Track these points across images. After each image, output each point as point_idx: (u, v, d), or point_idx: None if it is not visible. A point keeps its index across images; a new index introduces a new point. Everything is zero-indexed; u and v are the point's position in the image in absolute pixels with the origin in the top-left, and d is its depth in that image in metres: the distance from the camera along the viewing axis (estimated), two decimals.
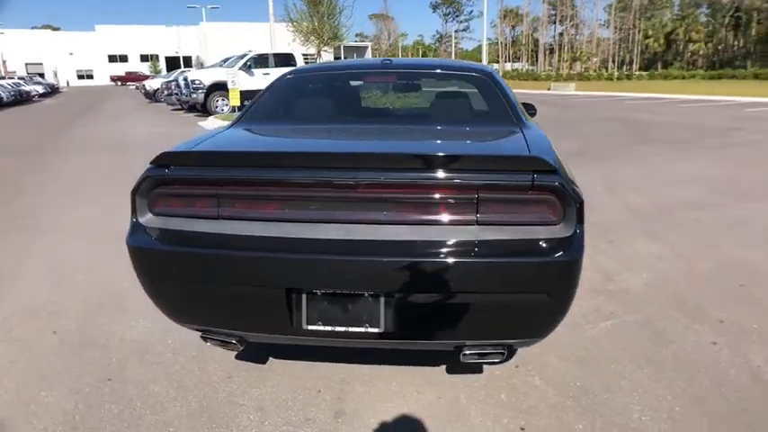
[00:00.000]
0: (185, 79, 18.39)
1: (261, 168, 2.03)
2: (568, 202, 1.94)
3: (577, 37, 71.09)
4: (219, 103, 17.64)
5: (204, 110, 17.59)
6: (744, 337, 2.93)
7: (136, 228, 2.16)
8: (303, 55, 20.74)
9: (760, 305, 3.32)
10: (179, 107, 20.78)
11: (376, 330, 2.04)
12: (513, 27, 76.47)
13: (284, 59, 18.47)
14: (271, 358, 2.76)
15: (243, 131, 2.84)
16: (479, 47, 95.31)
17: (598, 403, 2.38)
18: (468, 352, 2.13)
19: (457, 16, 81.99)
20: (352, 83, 3.58)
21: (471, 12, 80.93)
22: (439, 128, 2.86)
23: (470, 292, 1.99)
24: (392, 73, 3.45)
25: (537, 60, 73.83)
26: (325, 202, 2.01)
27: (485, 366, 2.65)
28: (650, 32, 59.63)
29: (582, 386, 2.51)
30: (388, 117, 3.36)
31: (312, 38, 17.37)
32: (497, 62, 71.70)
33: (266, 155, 2.13)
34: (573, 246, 1.95)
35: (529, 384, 2.53)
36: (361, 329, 2.05)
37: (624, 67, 61.34)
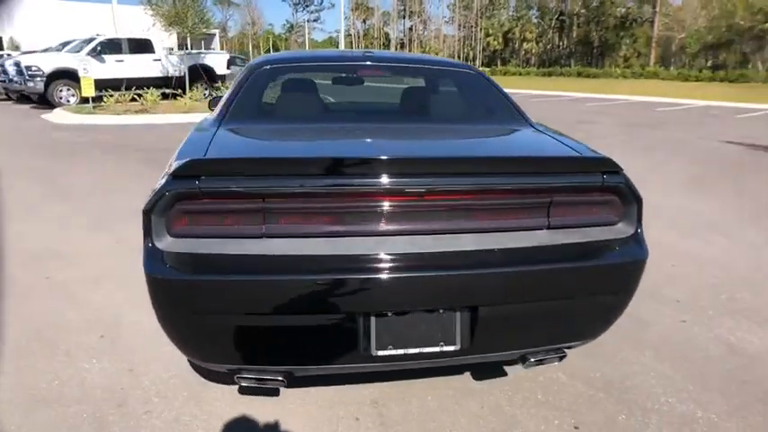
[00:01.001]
0: (17, 65, 15.78)
1: (317, 176, 1.75)
2: (631, 201, 1.98)
3: (425, 33, 74.55)
4: (65, 93, 15.46)
5: (44, 101, 15.28)
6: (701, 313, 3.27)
7: (153, 254, 1.75)
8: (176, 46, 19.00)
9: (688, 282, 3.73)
10: (4, 97, 17.88)
11: (452, 348, 1.91)
12: (365, 20, 77.82)
13: (140, 46, 16.71)
14: (280, 388, 2.45)
15: (248, 131, 2.46)
16: (330, 38, 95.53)
17: (625, 391, 2.48)
18: (532, 359, 2.08)
19: (307, 6, 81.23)
20: (344, 75, 3.31)
21: (322, 2, 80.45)
22: (463, 127, 2.74)
23: (548, 299, 1.95)
24: (384, 67, 3.24)
25: None
26: (391, 211, 1.80)
27: (505, 368, 2.62)
28: (491, 31, 64.54)
29: (603, 377, 2.59)
30: (394, 114, 3.13)
31: (175, 23, 15.90)
32: None
33: (324, 160, 1.83)
34: (640, 244, 1.99)
35: (557, 381, 2.55)
36: (436, 349, 1.90)
37: (468, 63, 65.73)
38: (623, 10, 57.67)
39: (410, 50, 75.32)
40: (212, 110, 4.18)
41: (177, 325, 1.86)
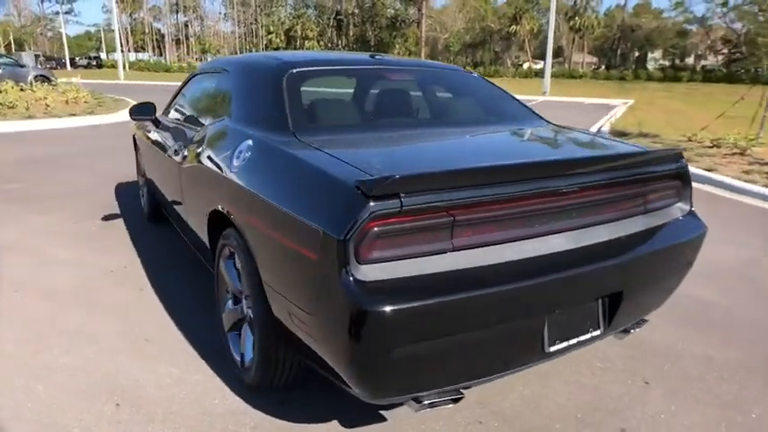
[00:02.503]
0: None
1: (500, 184, 1.63)
2: (688, 183, 2.22)
3: (202, 29, 70.90)
4: None
5: None
6: None
7: (350, 285, 1.45)
8: None
9: None
10: None
11: (597, 332, 1.93)
12: (132, 14, 70.78)
13: None
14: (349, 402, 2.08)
15: (353, 143, 2.15)
16: (88, 33, 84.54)
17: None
18: (631, 330, 2.19)
19: None
20: (379, 81, 2.95)
21: None
22: (518, 128, 2.65)
23: (659, 276, 2.08)
24: (405, 71, 3.03)
25: (164, 51, 70.53)
26: (553, 212, 1.77)
27: None
28: (272, 28, 64.20)
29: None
30: (445, 118, 2.84)
31: None
32: (115, 52, 65.35)
33: (504, 168, 1.73)
34: (698, 218, 2.21)
35: (599, 348, 2.62)
36: (587, 336, 1.91)
37: None
38: (392, 11, 62.57)
39: (187, 47, 70.88)
40: (139, 118, 3.40)
41: (375, 359, 1.51)
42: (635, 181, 1.96)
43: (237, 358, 2.28)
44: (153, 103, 3.49)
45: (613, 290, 1.89)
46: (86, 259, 3.63)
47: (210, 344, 2.55)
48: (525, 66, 47.94)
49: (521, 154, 2.40)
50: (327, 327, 1.55)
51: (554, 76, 38.43)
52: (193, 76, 3.42)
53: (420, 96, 2.85)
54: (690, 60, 47.96)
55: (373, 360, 1.50)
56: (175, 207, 3.17)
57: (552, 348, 1.78)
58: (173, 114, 3.44)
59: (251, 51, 68.21)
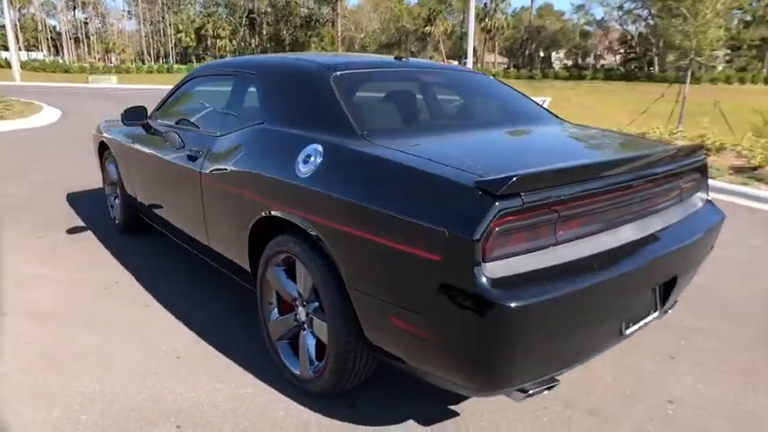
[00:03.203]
0: None
1: (597, 179, 1.74)
2: (706, 174, 2.44)
3: (104, 27, 66.51)
4: None
5: None
6: None
7: (488, 283, 1.49)
8: None
9: None
10: None
11: (655, 315, 2.08)
12: (20, 9, 64.99)
13: None
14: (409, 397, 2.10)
15: (432, 145, 2.14)
16: None
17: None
18: (669, 311, 2.35)
19: None
20: (417, 83, 2.89)
21: None
22: (553, 127, 2.73)
23: (699, 259, 2.27)
24: (437, 73, 3.05)
25: (61, 50, 65.39)
26: (627, 205, 1.90)
27: None
28: (181, 27, 61.49)
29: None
30: (488, 119, 2.83)
31: None
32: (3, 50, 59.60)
33: (605, 164, 1.89)
34: (715, 206, 2.44)
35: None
36: (649, 318, 2.05)
37: (161, 60, 61.54)
38: (306, 10, 61.98)
39: (87, 46, 66.21)
40: (132, 123, 3.18)
41: (500, 353, 1.55)
42: (675, 173, 2.13)
43: (294, 367, 2.23)
44: (145, 107, 3.28)
45: (672, 274, 2.04)
46: (69, 276, 3.36)
47: (243, 355, 2.47)
48: None
49: (586, 152, 2.50)
50: (448, 324, 1.57)
51: None
52: (191, 79, 3.25)
53: (458, 98, 2.89)
54: (590, 60, 51.47)
55: (498, 354, 1.54)
56: (181, 217, 3.02)
57: (628, 331, 1.91)
58: (170, 119, 3.25)
59: (159, 51, 64.94)
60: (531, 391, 1.69)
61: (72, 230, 4.25)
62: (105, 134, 4.13)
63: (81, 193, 5.44)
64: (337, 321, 1.94)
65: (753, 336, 2.76)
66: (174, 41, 62.58)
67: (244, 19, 63.58)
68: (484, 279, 1.48)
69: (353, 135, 2.03)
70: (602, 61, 51.11)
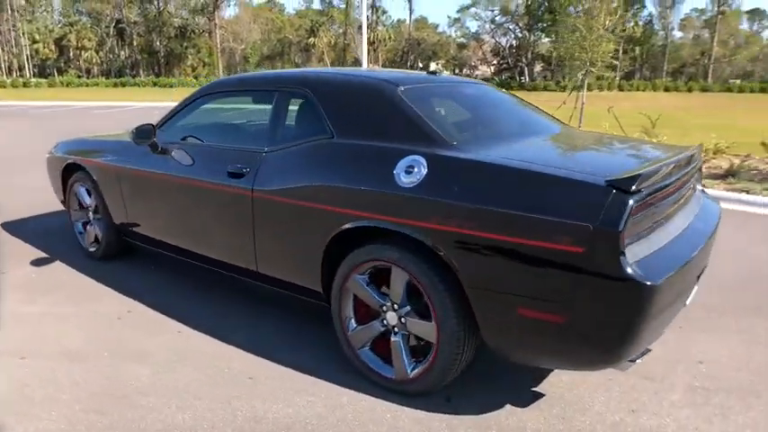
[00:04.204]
0: None
1: (671, 175, 2.09)
2: (701, 170, 2.89)
3: None
4: None
5: None
6: None
7: (633, 267, 1.76)
8: None
9: None
10: None
11: (696, 288, 2.40)
12: None
13: None
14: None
15: (517, 152, 2.33)
16: None
17: None
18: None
19: None
20: (461, 96, 3.04)
21: None
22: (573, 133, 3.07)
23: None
24: (467, 85, 3.27)
25: None
26: (681, 196, 2.29)
27: None
28: (38, 37, 55.80)
29: None
30: (529, 128, 2.93)
31: None
32: None
33: (678, 162, 2.18)
34: (710, 196, 2.91)
35: None
36: (694, 290, 2.35)
37: (15, 74, 55.37)
38: (180, 20, 59.26)
39: None
40: (143, 141, 2.99)
41: (640, 327, 1.80)
42: (697, 168, 2.52)
43: (386, 371, 2.31)
44: (153, 125, 3.13)
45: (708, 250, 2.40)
46: (71, 311, 3.10)
47: (316, 368, 2.51)
48: None
49: (636, 153, 2.69)
50: (590, 306, 1.78)
51: None
52: (202, 96, 3.14)
53: (496, 108, 3.07)
54: (466, 70, 54.87)
55: (635, 326, 1.78)
56: (214, 238, 2.92)
57: (687, 301, 2.24)
58: (183, 137, 3.12)
59: (12, 62, 58.33)
60: (636, 360, 1.96)
61: (37, 263, 3.87)
62: (76, 155, 3.82)
63: (23, 220, 4.91)
64: (449, 321, 2.07)
65: (739, 307, 3.29)
66: (28, 52, 56.56)
67: (111, 29, 59.24)
68: (626, 263, 1.72)
69: (446, 145, 2.18)
70: (476, 72, 54.75)
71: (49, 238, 4.38)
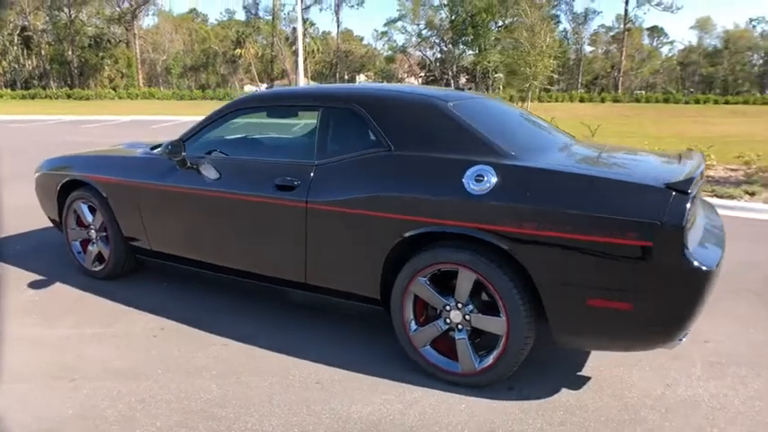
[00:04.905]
0: None
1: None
2: None
3: None
4: None
5: None
6: None
7: (695, 255, 2.07)
8: None
9: None
10: None
11: None
12: None
13: None
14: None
15: (575, 160, 2.67)
16: None
17: None
18: None
19: None
20: (493, 110, 3.20)
21: None
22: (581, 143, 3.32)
23: None
24: (489, 100, 3.44)
25: None
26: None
27: None
28: None
29: None
30: (550, 138, 3.16)
31: None
32: None
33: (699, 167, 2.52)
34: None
35: None
36: None
37: None
38: (94, 29, 56.33)
39: None
40: (175, 156, 2.99)
41: (697, 309, 2.10)
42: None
43: (452, 366, 2.47)
44: (181, 140, 3.12)
45: None
46: (97, 332, 3.02)
47: (369, 367, 2.64)
48: (246, 89, 49.01)
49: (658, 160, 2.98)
50: (657, 293, 2.05)
51: None
52: (232, 111, 3.16)
53: (520, 121, 3.30)
54: (394, 82, 55.94)
55: (693, 308, 2.07)
56: (256, 251, 2.97)
57: None
58: (214, 151, 3.14)
59: None
60: (682, 339, 2.25)
61: (34, 285, 3.70)
62: (78, 172, 3.70)
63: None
64: (518, 315, 2.28)
65: (728, 291, 3.71)
66: None
67: (16, 37, 55.28)
68: (689, 253, 2.00)
69: (507, 156, 2.40)
70: (405, 83, 56.00)
71: (37, 258, 4.18)
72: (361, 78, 62.86)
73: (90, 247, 3.79)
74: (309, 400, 2.38)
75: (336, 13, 54.48)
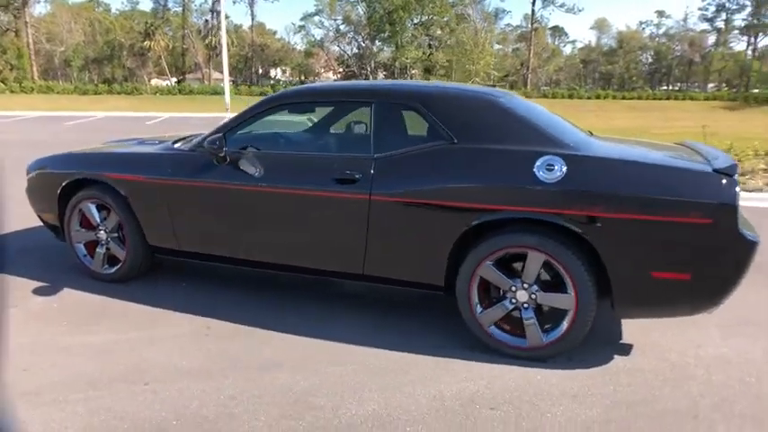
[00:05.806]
0: None
1: None
2: None
3: None
4: None
5: None
6: None
7: (744, 231, 2.37)
8: None
9: None
10: None
11: None
12: None
13: None
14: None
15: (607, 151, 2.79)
16: None
17: None
18: None
19: None
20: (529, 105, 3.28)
21: None
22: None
23: None
24: (516, 95, 3.50)
25: None
26: None
27: None
28: None
29: None
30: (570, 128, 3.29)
31: None
32: None
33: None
34: None
35: None
36: None
37: None
38: None
39: None
40: (218, 150, 2.98)
41: (741, 277, 2.39)
42: None
43: (520, 342, 2.67)
44: (222, 134, 3.06)
45: None
46: (141, 335, 2.92)
47: (434, 350, 2.78)
48: (153, 83, 46.57)
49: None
50: (712, 264, 2.35)
51: (200, 92, 38.88)
52: (278, 105, 3.12)
53: (549, 115, 3.48)
54: (312, 78, 55.37)
55: (739, 276, 2.38)
56: (310, 247, 3.00)
57: None
58: (257, 146, 3.10)
59: None
60: (719, 305, 2.57)
61: (40, 291, 3.47)
62: (89, 171, 3.50)
63: None
64: (586, 291, 2.51)
65: None
66: None
67: None
68: (740, 228, 2.32)
69: (568, 147, 2.62)
70: (321, 78, 55.58)
71: (27, 262, 3.89)
72: (276, 73, 61.77)
73: (98, 249, 3.61)
74: (397, 384, 2.47)
75: (251, 5, 52.98)
